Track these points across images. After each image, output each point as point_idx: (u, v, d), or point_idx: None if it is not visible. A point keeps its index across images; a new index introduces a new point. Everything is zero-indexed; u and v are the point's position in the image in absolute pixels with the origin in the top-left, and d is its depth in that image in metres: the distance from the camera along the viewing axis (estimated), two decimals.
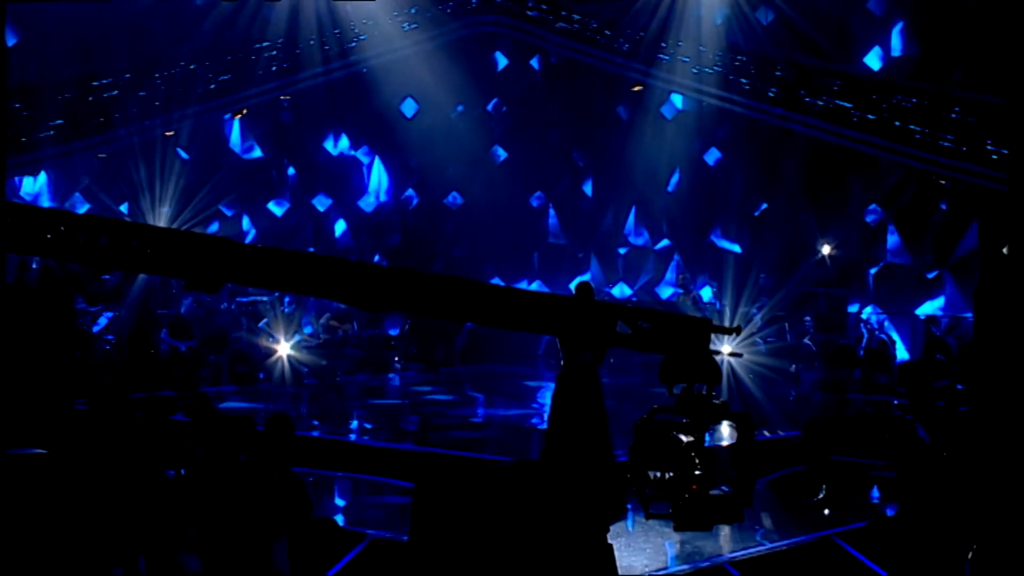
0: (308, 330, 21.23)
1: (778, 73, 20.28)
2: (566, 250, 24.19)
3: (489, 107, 23.96)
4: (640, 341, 7.59)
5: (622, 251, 23.86)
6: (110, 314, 19.15)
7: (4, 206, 8.96)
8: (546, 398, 18.58)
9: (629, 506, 11.42)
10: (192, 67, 20.36)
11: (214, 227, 22.46)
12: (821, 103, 19.69)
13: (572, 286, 12.07)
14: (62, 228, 7.76)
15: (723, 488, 7.50)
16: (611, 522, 11.02)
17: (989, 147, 18.15)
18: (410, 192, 24.41)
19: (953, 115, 18.79)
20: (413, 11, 21.38)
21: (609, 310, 8.09)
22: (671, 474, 7.43)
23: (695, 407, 7.48)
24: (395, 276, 8.21)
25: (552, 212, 24.20)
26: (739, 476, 7.51)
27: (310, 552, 8.93)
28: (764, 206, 22.41)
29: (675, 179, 23.08)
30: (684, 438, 7.43)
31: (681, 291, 22.10)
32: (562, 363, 12.32)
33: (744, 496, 7.51)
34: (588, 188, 24.06)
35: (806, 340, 18.99)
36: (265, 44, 20.78)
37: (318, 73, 21.26)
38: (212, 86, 20.58)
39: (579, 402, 12.10)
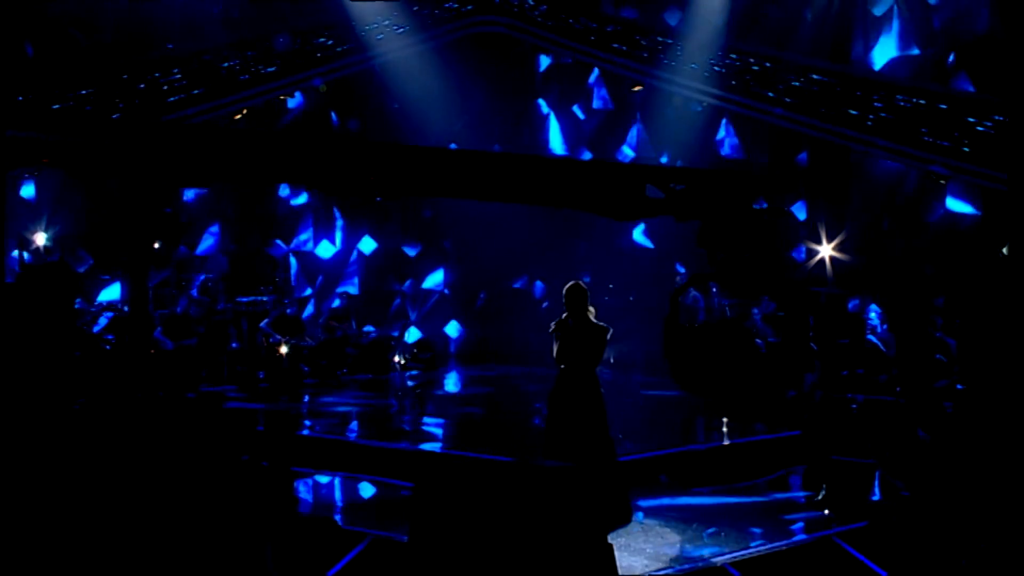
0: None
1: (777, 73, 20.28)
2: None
3: None
4: (675, 205, 6.86)
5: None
6: (110, 314, 19.12)
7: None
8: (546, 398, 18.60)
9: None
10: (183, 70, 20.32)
11: None
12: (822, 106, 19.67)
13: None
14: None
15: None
16: (616, 528, 10.98)
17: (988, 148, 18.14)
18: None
19: (952, 114, 18.78)
20: (414, 10, 21.38)
21: (635, 171, 7.44)
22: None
23: (737, 274, 6.90)
24: (407, 152, 7.64)
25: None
26: (789, 342, 7.10)
27: (306, 552, 8.94)
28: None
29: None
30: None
31: None
32: (561, 367, 11.18)
33: (800, 358, 7.05)
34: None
35: None
36: (267, 44, 20.76)
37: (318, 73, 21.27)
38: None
39: (578, 403, 11.02)
